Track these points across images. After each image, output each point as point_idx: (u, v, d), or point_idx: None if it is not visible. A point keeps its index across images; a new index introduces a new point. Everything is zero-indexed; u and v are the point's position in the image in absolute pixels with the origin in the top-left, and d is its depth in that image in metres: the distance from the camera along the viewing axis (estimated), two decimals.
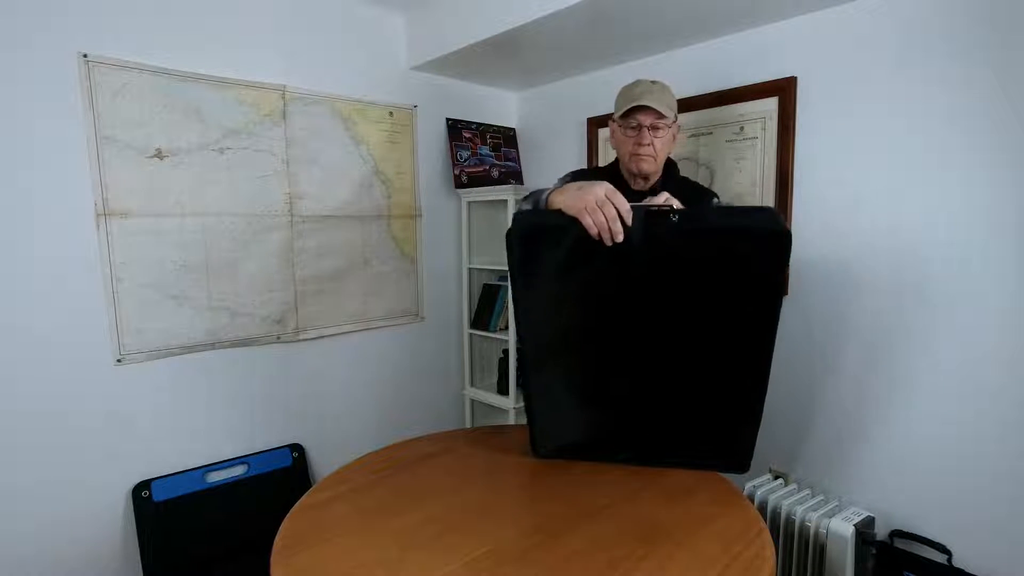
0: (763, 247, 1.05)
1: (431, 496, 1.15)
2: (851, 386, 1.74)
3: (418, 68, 2.36)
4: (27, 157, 1.55)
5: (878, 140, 1.63)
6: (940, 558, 1.58)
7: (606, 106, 2.12)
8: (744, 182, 1.93)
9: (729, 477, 1.24)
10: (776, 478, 1.85)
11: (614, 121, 1.43)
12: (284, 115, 2.01)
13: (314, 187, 2.11)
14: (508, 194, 2.36)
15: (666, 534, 1.01)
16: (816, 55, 1.73)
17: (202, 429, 1.92)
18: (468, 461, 1.33)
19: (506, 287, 2.40)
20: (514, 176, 2.71)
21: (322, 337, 2.19)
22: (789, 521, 1.67)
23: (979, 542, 1.53)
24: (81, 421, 1.68)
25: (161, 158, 1.77)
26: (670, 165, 1.49)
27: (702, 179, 2.02)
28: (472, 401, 2.69)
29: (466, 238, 2.57)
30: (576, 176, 1.51)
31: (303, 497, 1.16)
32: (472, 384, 2.67)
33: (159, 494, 1.81)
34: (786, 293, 1.82)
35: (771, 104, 1.84)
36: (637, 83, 1.41)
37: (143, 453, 1.80)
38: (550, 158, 2.65)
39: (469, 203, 2.55)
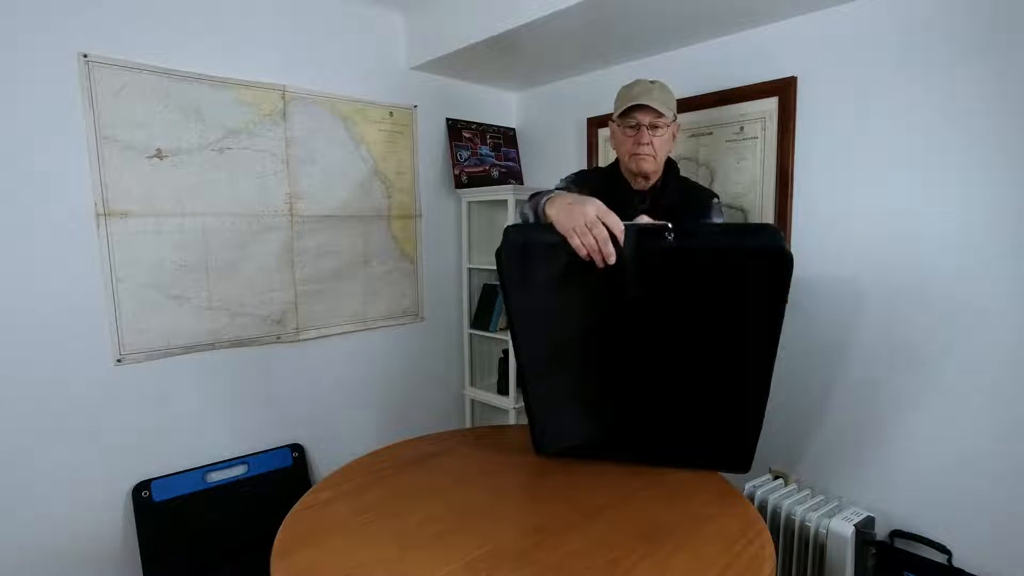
0: (763, 270, 1.03)
1: (431, 496, 1.15)
2: (851, 386, 1.74)
3: (418, 68, 2.36)
4: (27, 157, 1.55)
5: (878, 140, 1.63)
6: (940, 558, 1.57)
7: (606, 106, 2.12)
8: (744, 182, 1.93)
9: (729, 477, 1.24)
10: (776, 478, 1.85)
11: (613, 121, 1.43)
12: (284, 115, 2.01)
13: (314, 187, 2.11)
14: (508, 194, 2.36)
15: (666, 534, 1.01)
16: (816, 55, 1.73)
17: (202, 429, 1.92)
18: (468, 461, 1.33)
19: None
20: (514, 176, 2.71)
21: (322, 337, 2.19)
22: (789, 521, 1.67)
23: (979, 542, 1.53)
24: (81, 421, 1.68)
25: (161, 158, 1.77)
26: (670, 165, 1.49)
27: (702, 179, 2.01)
28: (472, 401, 2.69)
29: (466, 238, 2.57)
30: (578, 177, 1.51)
31: (303, 497, 1.16)
32: (472, 384, 2.67)
33: (159, 494, 1.81)
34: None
35: (771, 104, 1.84)
36: (636, 83, 1.41)
37: (143, 453, 1.80)
38: (550, 158, 2.65)
39: (469, 203, 2.55)
